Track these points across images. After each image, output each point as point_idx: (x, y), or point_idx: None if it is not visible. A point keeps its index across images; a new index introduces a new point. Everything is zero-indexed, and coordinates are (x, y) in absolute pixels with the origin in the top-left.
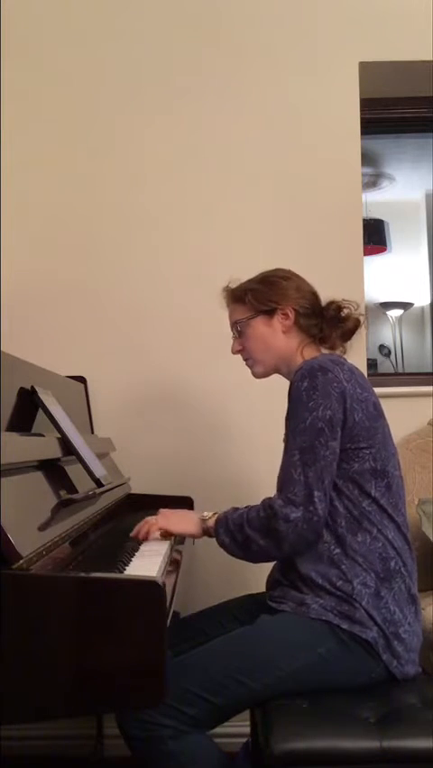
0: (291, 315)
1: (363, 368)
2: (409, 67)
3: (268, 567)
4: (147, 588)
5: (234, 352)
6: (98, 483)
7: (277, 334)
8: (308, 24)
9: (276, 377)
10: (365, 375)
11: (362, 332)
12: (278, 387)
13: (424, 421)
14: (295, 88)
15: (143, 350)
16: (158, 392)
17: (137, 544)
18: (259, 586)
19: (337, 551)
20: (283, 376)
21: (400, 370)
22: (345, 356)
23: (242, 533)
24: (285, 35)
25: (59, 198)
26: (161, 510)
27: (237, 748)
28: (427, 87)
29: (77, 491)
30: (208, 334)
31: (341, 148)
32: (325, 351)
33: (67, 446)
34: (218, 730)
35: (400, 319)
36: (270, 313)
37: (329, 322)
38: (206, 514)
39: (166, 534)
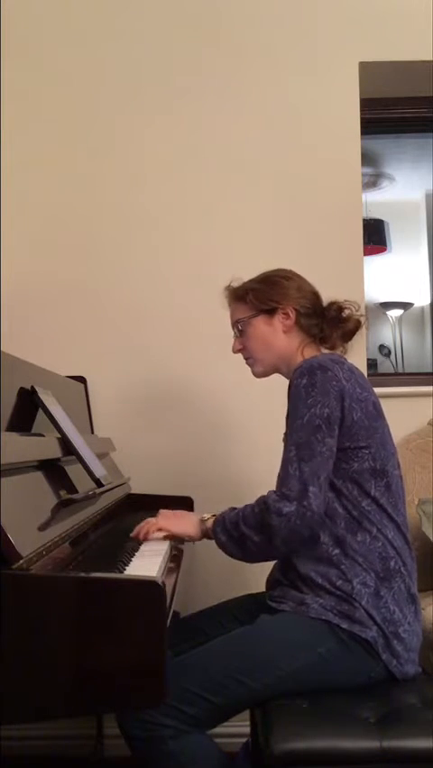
0: (292, 314)
1: (363, 368)
2: (409, 67)
3: (268, 567)
4: (147, 588)
5: (235, 351)
6: (98, 483)
7: (278, 334)
8: (308, 24)
9: (276, 377)
10: (365, 375)
11: (362, 332)
12: (278, 387)
13: (424, 421)
14: (295, 88)
15: (143, 350)
16: (158, 392)
17: (137, 544)
18: (259, 586)
19: (337, 551)
20: (283, 375)
21: (400, 370)
22: (346, 356)
23: (237, 530)
24: (285, 35)
25: (59, 198)
26: (161, 511)
27: (237, 748)
28: (427, 87)
29: (77, 491)
30: (208, 334)
31: (341, 148)
32: (325, 351)
33: (67, 446)
34: (218, 730)
35: (400, 319)
36: (271, 312)
37: (330, 322)
38: (205, 515)
39: (170, 536)
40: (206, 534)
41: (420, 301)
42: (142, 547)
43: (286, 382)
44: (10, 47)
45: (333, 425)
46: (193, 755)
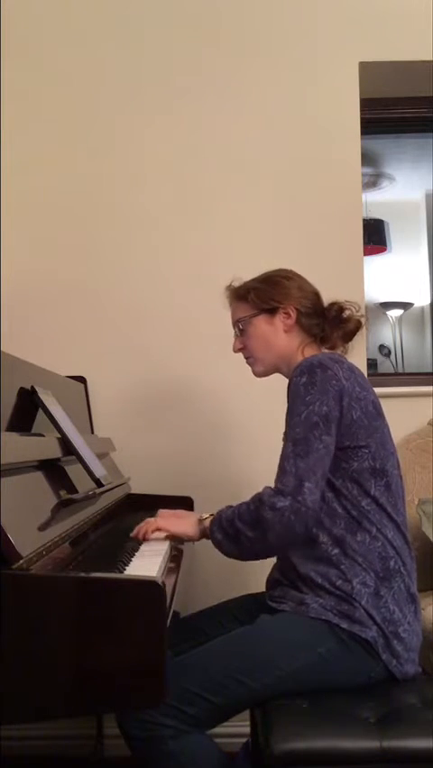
0: (293, 314)
1: (363, 368)
2: (409, 67)
3: (268, 567)
4: (147, 588)
5: (236, 350)
6: (98, 483)
7: (278, 333)
8: (308, 24)
9: (277, 377)
10: (365, 375)
11: (362, 332)
12: (278, 387)
13: (424, 421)
14: (295, 88)
15: (143, 350)
16: (158, 392)
17: (137, 544)
18: (259, 586)
19: (337, 550)
20: (283, 375)
21: (400, 370)
22: (346, 356)
23: (232, 527)
24: (285, 35)
25: (59, 198)
26: (161, 511)
27: (237, 748)
28: (427, 87)
29: (77, 491)
30: (208, 335)
31: (341, 148)
32: (326, 351)
33: (67, 446)
34: (218, 730)
35: (400, 319)
36: (272, 311)
37: (331, 322)
38: (204, 515)
39: (170, 536)
40: (204, 534)
41: (420, 301)
42: (142, 547)
43: (286, 382)
44: (10, 47)
45: (331, 422)
46: (193, 755)
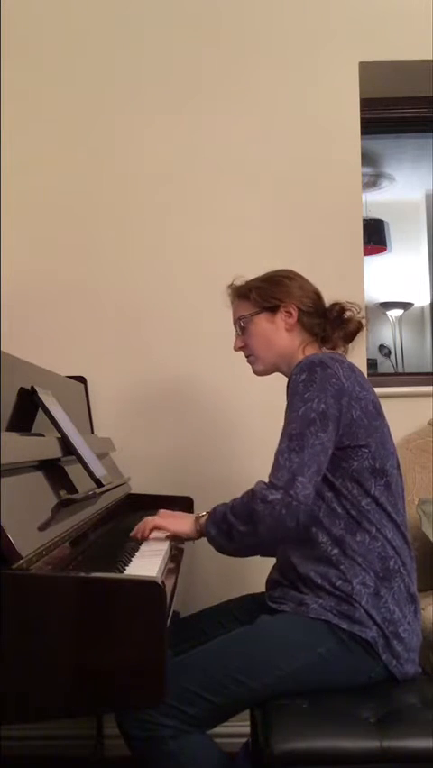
0: (295, 312)
1: (363, 368)
2: (409, 67)
3: (267, 567)
4: (147, 588)
5: (237, 348)
6: (98, 483)
7: (280, 332)
8: (308, 24)
9: (277, 378)
10: (365, 375)
11: (362, 332)
12: (279, 387)
13: (424, 421)
14: (295, 88)
15: (143, 350)
16: (158, 392)
17: (137, 544)
18: (259, 586)
19: (336, 550)
20: (284, 374)
21: (400, 370)
22: (346, 356)
23: (225, 521)
24: (285, 35)
25: (59, 198)
26: (160, 511)
27: (237, 748)
28: (427, 87)
29: (77, 491)
30: (209, 334)
31: (341, 148)
32: (326, 350)
33: (67, 446)
34: (218, 730)
35: (400, 319)
36: (273, 310)
37: (332, 323)
38: (202, 513)
39: (170, 536)
40: (201, 532)
41: (420, 301)
42: (142, 547)
43: (286, 382)
44: (10, 47)
45: (328, 420)
46: (193, 755)
